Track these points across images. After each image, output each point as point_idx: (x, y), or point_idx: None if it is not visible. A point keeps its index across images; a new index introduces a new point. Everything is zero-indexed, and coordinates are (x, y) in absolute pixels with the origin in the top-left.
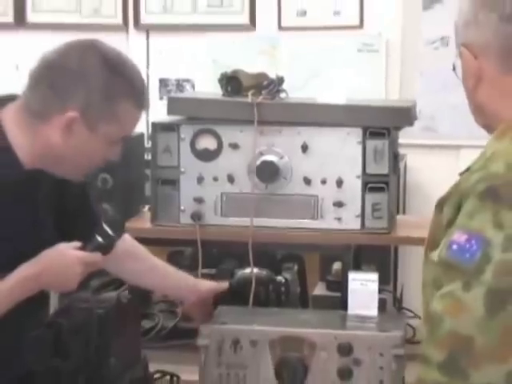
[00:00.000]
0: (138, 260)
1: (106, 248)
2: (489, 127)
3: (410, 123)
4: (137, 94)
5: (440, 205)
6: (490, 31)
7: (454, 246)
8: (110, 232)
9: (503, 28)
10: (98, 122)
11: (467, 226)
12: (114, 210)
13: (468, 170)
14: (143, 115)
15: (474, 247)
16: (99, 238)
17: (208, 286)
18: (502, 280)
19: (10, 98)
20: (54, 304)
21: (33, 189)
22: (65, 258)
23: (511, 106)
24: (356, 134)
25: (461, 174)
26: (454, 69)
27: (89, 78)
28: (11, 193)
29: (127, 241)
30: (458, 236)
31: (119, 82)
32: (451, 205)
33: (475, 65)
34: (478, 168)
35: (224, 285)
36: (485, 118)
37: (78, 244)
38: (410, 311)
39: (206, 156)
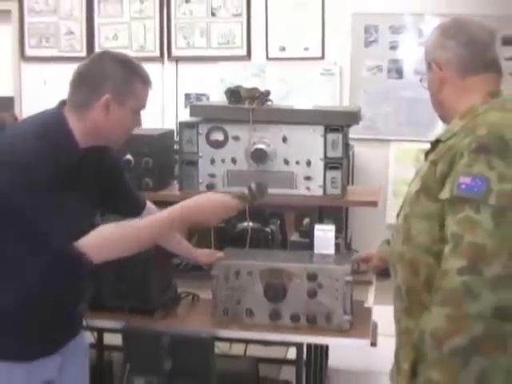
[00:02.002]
0: None
1: (248, 200)
2: (445, 117)
3: (357, 123)
4: (143, 76)
5: (434, 162)
6: (451, 52)
7: (463, 186)
8: (255, 191)
9: (460, 50)
10: (124, 98)
11: (469, 172)
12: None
13: (438, 139)
14: (173, 118)
15: (479, 183)
16: (245, 191)
17: (200, 252)
18: (501, 201)
19: (64, 102)
20: None
21: (85, 165)
22: (211, 202)
23: (463, 101)
24: (320, 130)
25: (431, 143)
26: (421, 80)
27: (109, 71)
28: (74, 167)
29: (154, 208)
30: (464, 179)
31: (130, 70)
32: (445, 161)
33: (441, 74)
34: (465, 135)
35: (219, 253)
36: (443, 110)
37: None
38: (356, 251)
39: (217, 145)
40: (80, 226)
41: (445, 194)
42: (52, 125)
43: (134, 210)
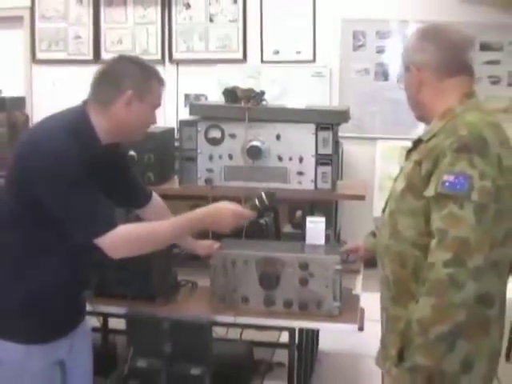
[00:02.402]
0: (164, 213)
1: (258, 209)
2: (423, 117)
3: (346, 121)
4: (158, 75)
5: (418, 162)
6: (430, 54)
7: (447, 184)
8: (265, 199)
9: (438, 53)
10: (144, 94)
11: (452, 170)
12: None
13: (420, 139)
14: (174, 117)
15: (462, 181)
16: (256, 201)
17: (199, 244)
18: (482, 197)
19: (86, 101)
20: None
21: (101, 159)
22: (222, 210)
23: (441, 102)
24: (311, 127)
25: (413, 142)
26: (398, 81)
27: (129, 70)
28: (93, 163)
29: (162, 203)
30: (447, 177)
31: (147, 69)
32: (430, 161)
33: (419, 75)
34: (446, 136)
35: (216, 244)
36: (422, 111)
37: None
38: (345, 242)
39: (214, 142)
40: (98, 219)
41: (430, 192)
42: (76, 123)
43: (140, 201)
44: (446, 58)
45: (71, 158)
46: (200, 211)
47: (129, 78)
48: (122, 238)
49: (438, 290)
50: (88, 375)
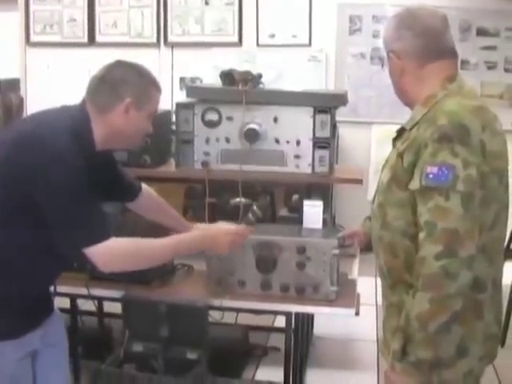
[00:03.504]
0: (156, 204)
1: (253, 223)
2: (409, 104)
3: (344, 104)
4: (156, 83)
5: (400, 154)
6: (408, 42)
7: (431, 176)
8: (257, 212)
9: (415, 40)
10: (142, 103)
11: (434, 161)
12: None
13: (403, 128)
14: (169, 100)
15: (446, 172)
16: (250, 216)
17: (195, 227)
18: (468, 186)
19: (84, 101)
20: None
21: (94, 164)
22: (220, 231)
23: (424, 88)
24: (309, 111)
25: (397, 131)
26: (382, 66)
27: (129, 77)
28: (88, 167)
29: (153, 194)
30: (430, 169)
31: (146, 77)
32: (411, 152)
33: (399, 63)
34: (427, 126)
35: None
36: (407, 97)
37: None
38: (341, 226)
39: (211, 125)
40: (92, 225)
41: (415, 185)
42: (78, 125)
43: (130, 195)
44: (424, 44)
45: (74, 162)
46: (198, 234)
47: (128, 85)
48: (114, 253)
49: (433, 283)
50: (62, 357)
